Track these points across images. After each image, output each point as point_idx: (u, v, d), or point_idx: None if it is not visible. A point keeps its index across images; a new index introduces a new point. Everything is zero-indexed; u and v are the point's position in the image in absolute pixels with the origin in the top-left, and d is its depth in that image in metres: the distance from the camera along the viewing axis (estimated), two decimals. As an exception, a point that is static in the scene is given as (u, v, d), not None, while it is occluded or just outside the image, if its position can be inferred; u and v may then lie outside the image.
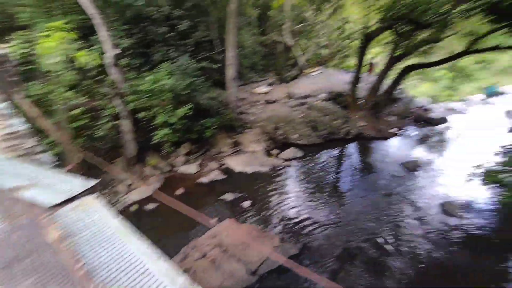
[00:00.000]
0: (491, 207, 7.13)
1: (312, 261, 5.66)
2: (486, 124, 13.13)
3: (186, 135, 9.38)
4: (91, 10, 7.04)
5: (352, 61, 17.15)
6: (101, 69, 8.01)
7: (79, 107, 7.23)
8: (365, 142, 11.06)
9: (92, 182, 2.74)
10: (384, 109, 12.22)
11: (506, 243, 6.06)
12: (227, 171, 9.25)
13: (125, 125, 8.17)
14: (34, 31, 8.41)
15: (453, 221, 6.73)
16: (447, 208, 7.06)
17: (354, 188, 8.30)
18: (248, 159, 9.62)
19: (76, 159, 6.26)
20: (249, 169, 9.18)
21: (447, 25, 9.48)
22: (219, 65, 11.85)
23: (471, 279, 5.20)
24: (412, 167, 8.99)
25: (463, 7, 8.78)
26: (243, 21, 15.79)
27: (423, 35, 10.75)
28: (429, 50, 12.63)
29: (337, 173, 9.35)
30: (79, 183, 2.67)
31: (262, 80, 15.39)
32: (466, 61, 17.99)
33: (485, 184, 6.54)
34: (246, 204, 7.47)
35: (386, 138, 11.24)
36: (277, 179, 8.75)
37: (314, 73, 15.32)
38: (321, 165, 9.63)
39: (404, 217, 6.92)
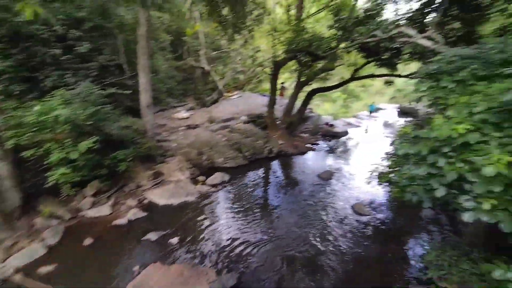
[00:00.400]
0: (388, 202, 8.65)
1: (254, 284, 5.47)
2: (375, 133, 16.31)
3: (93, 172, 7.98)
4: None
5: (266, 86, 18.74)
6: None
7: None
8: (286, 159, 11.91)
9: None
10: (298, 128, 13.60)
11: (401, 230, 7.41)
12: (149, 206, 8.24)
13: (1, 168, 6.33)
14: None
15: (363, 219, 7.81)
16: (357, 208, 8.16)
17: (282, 202, 8.69)
18: (172, 189, 8.85)
19: None
20: (174, 201, 8.43)
21: (337, 57, 11.56)
22: (130, 91, 10.87)
23: (384, 265, 6.12)
24: (326, 176, 10.13)
25: (343, 45, 10.95)
26: (156, 45, 15.26)
27: (320, 64, 12.77)
28: (326, 76, 15.09)
29: (265, 191, 9.63)
30: None
31: (182, 105, 14.93)
32: (353, 85, 22.33)
33: (380, 184, 7.89)
34: (174, 241, 6.71)
35: (303, 153, 12.43)
36: (206, 206, 8.33)
37: (233, 97, 15.89)
38: (248, 185, 9.74)
39: (327, 220, 7.69)
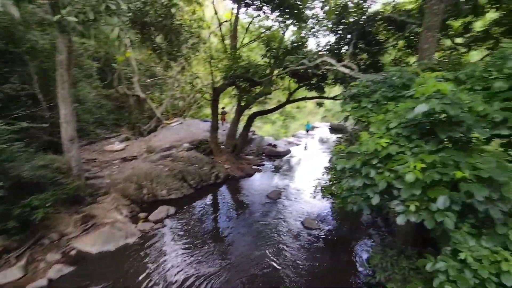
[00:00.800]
0: (333, 213, 9.30)
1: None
2: (313, 150, 17.70)
3: (-3, 226, 6.37)
4: None
5: (208, 111, 18.69)
6: None
7: None
8: (233, 183, 11.79)
9: None
10: (242, 150, 13.79)
11: (347, 238, 8.01)
12: (78, 258, 6.92)
13: None
14: None
15: (314, 232, 8.17)
16: (307, 223, 8.50)
17: (234, 228, 8.47)
18: (107, 233, 7.66)
19: None
20: (110, 247, 7.30)
21: (272, 83, 12.43)
22: (47, 124, 9.38)
23: (337, 273, 6.48)
24: (275, 196, 10.37)
25: (276, 72, 11.93)
26: (81, 72, 13.80)
27: (258, 89, 13.49)
28: (265, 100, 15.97)
29: (215, 219, 9.24)
30: None
31: (115, 136, 13.55)
32: (289, 107, 24.20)
33: (324, 197, 8.46)
34: (116, 296, 5.73)
35: (250, 175, 12.54)
36: (151, 246, 7.46)
37: (173, 124, 15.27)
38: (197, 216, 9.19)
39: (280, 238, 7.83)
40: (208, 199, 10.41)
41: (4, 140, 7.07)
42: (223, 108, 18.98)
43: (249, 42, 16.19)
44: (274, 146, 17.22)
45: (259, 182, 12.22)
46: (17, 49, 10.02)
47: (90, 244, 7.31)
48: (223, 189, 11.28)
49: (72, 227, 7.80)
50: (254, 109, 15.70)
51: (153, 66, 16.63)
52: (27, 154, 7.75)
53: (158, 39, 12.05)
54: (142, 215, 8.72)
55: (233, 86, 13.63)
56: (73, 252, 7.12)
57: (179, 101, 17.98)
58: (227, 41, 14.68)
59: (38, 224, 7.39)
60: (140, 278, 6.27)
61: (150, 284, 6.09)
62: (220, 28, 13.67)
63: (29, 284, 6.03)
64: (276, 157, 15.81)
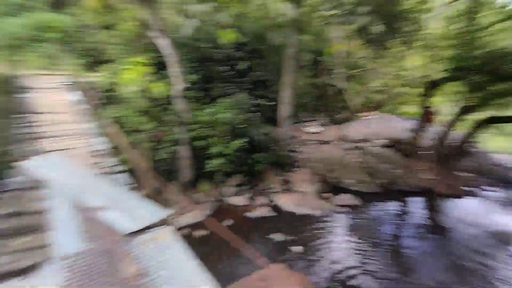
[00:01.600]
0: None
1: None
2: None
3: (238, 167, 9.27)
4: (167, 51, 7.80)
5: (410, 108, 16.25)
6: (169, 100, 8.58)
7: (147, 131, 7.66)
8: (432, 198, 9.65)
9: (167, 213, 2.51)
10: (454, 163, 10.81)
11: None
12: (276, 208, 8.69)
13: (183, 151, 8.37)
14: (118, 64, 9.63)
15: None
16: None
17: (421, 247, 7.06)
18: (298, 199, 8.96)
19: (149, 184, 6.38)
20: (299, 210, 8.49)
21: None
22: (272, 103, 12.07)
23: None
24: (505, 238, 7.35)
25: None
26: (297, 64, 16.40)
27: (502, 87, 9.71)
28: (506, 102, 11.34)
29: (399, 227, 8.15)
30: (154, 212, 2.50)
31: (314, 120, 15.21)
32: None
33: None
34: (297, 249, 6.70)
35: (459, 197, 9.70)
36: (330, 225, 7.88)
37: (369, 117, 14.70)
38: (380, 216, 8.51)
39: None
40: (396, 205, 9.27)
41: (249, 111, 9.97)
42: (427, 107, 15.66)
43: (494, 22, 11.78)
44: (509, 169, 12.07)
45: (473, 209, 9.16)
46: (263, 46, 13.49)
47: (285, 202, 8.88)
48: (416, 200, 9.56)
49: (276, 185, 9.81)
50: (485, 113, 11.59)
51: (360, 57, 16.57)
52: (258, 123, 10.49)
53: (375, 28, 11.65)
54: (327, 195, 9.33)
55: (458, 80, 10.72)
56: (273, 203, 8.99)
57: (378, 94, 16.95)
58: (455, 25, 11.57)
59: (256, 175, 9.99)
60: (315, 246, 6.89)
61: (322, 255, 6.54)
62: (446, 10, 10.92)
63: (248, 212, 8.37)
64: (506, 184, 11.06)
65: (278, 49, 13.61)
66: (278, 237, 7.14)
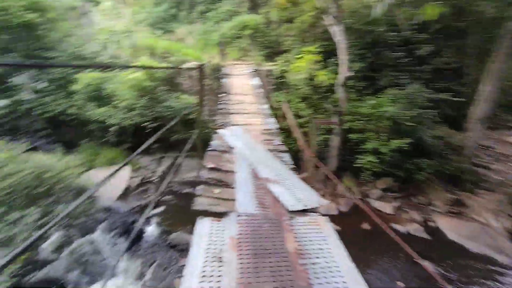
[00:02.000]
0: None
1: None
2: None
3: (391, 169, 8.20)
4: (338, 37, 7.71)
5: None
6: (330, 88, 8.70)
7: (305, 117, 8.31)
8: None
9: (325, 202, 2.61)
10: None
11: None
12: (433, 231, 7.08)
13: (335, 141, 8.40)
14: (292, 54, 10.73)
15: None
16: None
17: None
18: (472, 230, 6.81)
19: (310, 169, 7.15)
20: (471, 245, 6.46)
21: None
22: (458, 98, 9.35)
23: None
24: None
25: None
26: None
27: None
28: None
29: None
30: (313, 197, 2.70)
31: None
32: None
33: None
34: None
35: None
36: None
37: None
38: None
39: None
40: None
41: (422, 106, 8.29)
42: None
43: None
44: None
45: None
46: (460, 23, 10.38)
47: (448, 227, 7.04)
48: None
49: (440, 202, 7.91)
50: None
51: None
52: (430, 122, 8.56)
53: None
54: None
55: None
56: (431, 224, 7.36)
57: None
58: None
59: (413, 184, 8.46)
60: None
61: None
62: None
63: (393, 222, 7.38)
64: None
65: (488, 25, 10.08)
66: (428, 266, 5.84)
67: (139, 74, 7.91)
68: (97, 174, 8.70)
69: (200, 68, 3.36)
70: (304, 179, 3.01)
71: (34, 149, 11.42)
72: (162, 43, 10.88)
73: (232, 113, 5.45)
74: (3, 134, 11.74)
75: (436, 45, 10.22)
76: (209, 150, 3.85)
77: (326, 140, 8.62)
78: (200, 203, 2.68)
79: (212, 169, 3.36)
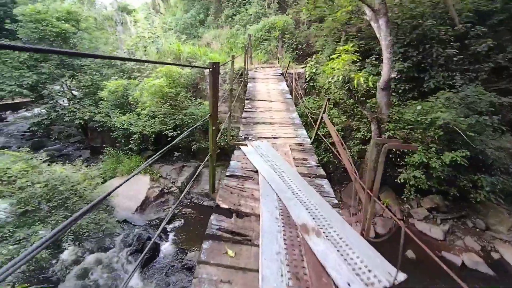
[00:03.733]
0: None
1: None
2: None
3: (440, 185, 6.96)
4: (382, 33, 6.73)
5: None
6: (368, 91, 7.68)
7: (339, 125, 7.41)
8: None
9: (402, 276, 1.70)
10: None
11: None
12: (497, 264, 5.79)
13: (373, 152, 7.37)
14: (322, 55, 9.86)
15: None
16: None
17: None
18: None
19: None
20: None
21: None
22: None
23: None
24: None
25: None
26: None
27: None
28: None
29: None
30: (381, 267, 1.75)
31: None
32: None
33: None
34: None
35: None
36: None
37: None
38: None
39: None
40: None
41: (483, 112, 6.95)
42: None
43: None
44: None
45: None
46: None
47: (520, 261, 5.67)
48: None
49: (504, 228, 6.52)
50: None
51: None
52: (493, 131, 7.15)
53: None
54: None
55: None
56: (494, 255, 6.04)
57: None
58: None
59: (469, 204, 7.13)
60: None
61: None
62: None
63: (445, 251, 6.18)
64: None
65: None
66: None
67: (160, 81, 7.64)
68: (116, 183, 8.62)
69: (213, 67, 2.68)
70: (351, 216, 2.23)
71: (64, 155, 11.94)
72: (187, 48, 10.67)
73: (257, 123, 4.74)
74: (35, 140, 12.43)
75: (497, 39, 8.68)
76: (227, 176, 2.88)
77: (360, 151, 7.63)
78: (203, 280, 1.58)
79: (225, 212, 2.25)
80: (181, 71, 8.45)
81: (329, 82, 6.89)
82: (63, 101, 9.76)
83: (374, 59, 9.06)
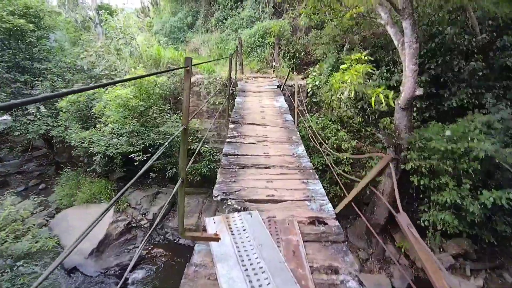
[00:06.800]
0: None
1: None
2: None
3: (472, 230, 5.59)
4: (408, 39, 5.42)
5: None
6: (383, 110, 6.33)
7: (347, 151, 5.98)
8: None
9: None
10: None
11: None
12: None
13: (387, 185, 5.98)
14: (326, 65, 8.53)
15: None
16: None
17: None
18: None
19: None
20: None
21: None
22: None
23: None
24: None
25: None
26: None
27: None
28: None
29: None
30: None
31: None
32: None
33: None
34: None
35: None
36: None
37: None
38: None
39: None
40: None
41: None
42: None
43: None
44: None
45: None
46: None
47: None
48: None
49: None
50: None
51: None
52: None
53: None
54: None
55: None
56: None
57: None
58: None
59: (505, 248, 5.81)
60: None
61: None
62: None
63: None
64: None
65: None
66: None
67: (126, 91, 6.11)
68: (72, 215, 6.93)
69: (187, 65, 1.32)
70: None
71: (21, 173, 10.12)
72: (168, 52, 9.19)
73: (244, 166, 3.06)
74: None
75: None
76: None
77: (372, 182, 6.20)
78: None
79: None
80: (157, 79, 6.95)
81: (337, 97, 5.53)
82: (14, 111, 8.07)
83: (385, 71, 7.79)
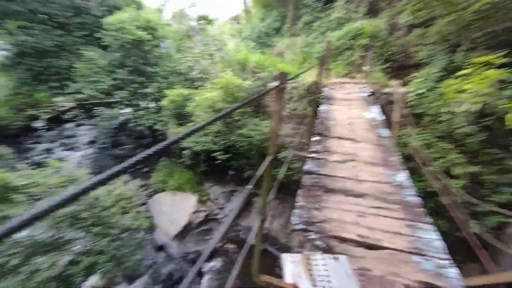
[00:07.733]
0: None
1: None
2: None
3: None
4: None
5: None
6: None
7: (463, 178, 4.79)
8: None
9: None
10: None
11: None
12: None
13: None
14: (432, 69, 7.16)
15: None
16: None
17: None
18: None
19: None
20: None
21: None
22: None
23: None
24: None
25: None
26: None
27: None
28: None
29: None
30: None
31: None
32: None
33: None
34: None
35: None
36: None
37: None
38: None
39: None
40: None
41: None
42: None
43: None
44: None
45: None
46: None
47: None
48: None
49: None
50: None
51: None
52: None
53: None
54: None
55: None
56: None
57: None
58: None
59: None
60: None
61: None
62: None
63: None
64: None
65: None
66: None
67: (214, 94, 6.56)
68: (164, 199, 7.93)
69: (281, 79, 1.17)
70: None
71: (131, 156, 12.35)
72: (254, 56, 9.52)
73: (330, 190, 2.61)
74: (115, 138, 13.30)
75: None
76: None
77: (498, 224, 4.78)
78: None
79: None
80: (242, 83, 7.26)
81: (450, 111, 4.46)
82: (130, 106, 9.88)
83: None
